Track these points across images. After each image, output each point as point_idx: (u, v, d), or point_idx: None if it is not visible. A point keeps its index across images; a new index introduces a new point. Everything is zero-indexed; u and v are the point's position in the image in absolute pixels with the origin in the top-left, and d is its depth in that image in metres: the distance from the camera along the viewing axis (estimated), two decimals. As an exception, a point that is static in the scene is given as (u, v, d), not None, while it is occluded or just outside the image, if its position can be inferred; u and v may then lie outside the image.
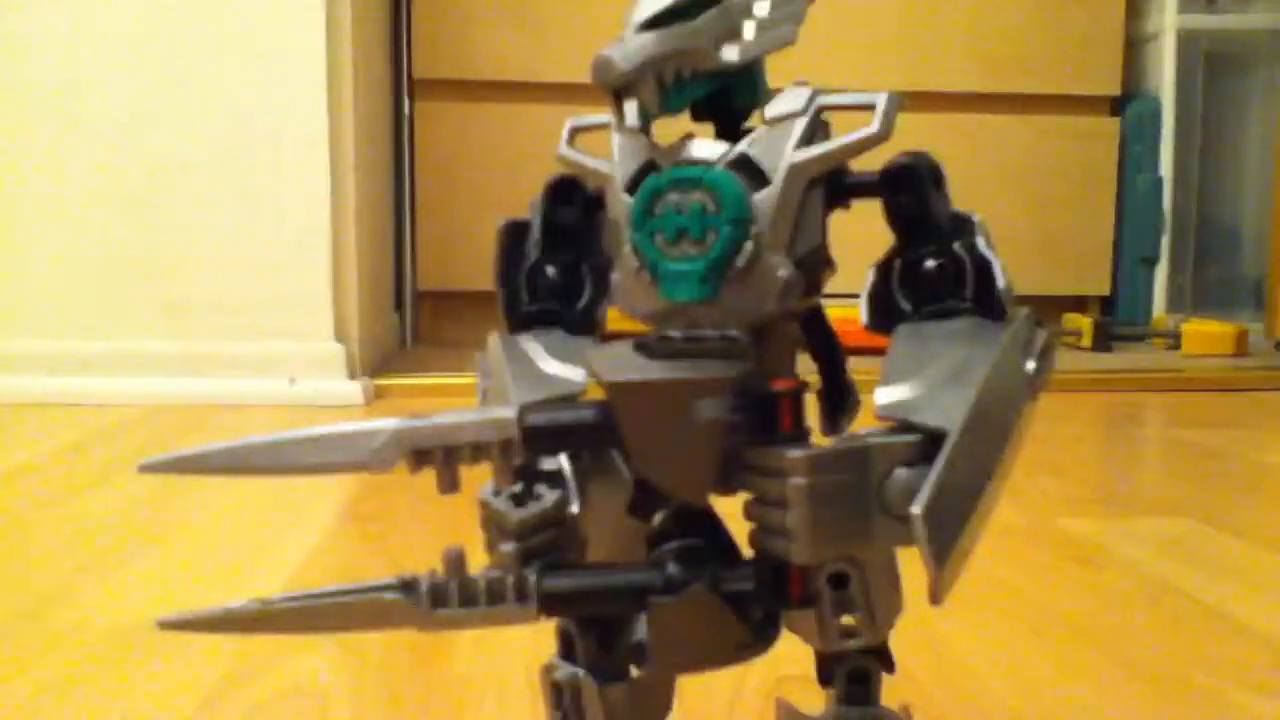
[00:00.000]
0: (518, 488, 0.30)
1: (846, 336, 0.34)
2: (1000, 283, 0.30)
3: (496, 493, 0.30)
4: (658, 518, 0.31)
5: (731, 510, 0.30)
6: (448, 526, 0.77)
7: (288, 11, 1.36)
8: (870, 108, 0.29)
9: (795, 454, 0.27)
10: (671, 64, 0.28)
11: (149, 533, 0.79)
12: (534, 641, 0.36)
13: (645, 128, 0.29)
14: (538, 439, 0.28)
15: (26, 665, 0.55)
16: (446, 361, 1.59)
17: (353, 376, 1.40)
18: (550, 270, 0.34)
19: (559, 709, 0.32)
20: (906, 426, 0.28)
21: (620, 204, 0.31)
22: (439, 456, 0.28)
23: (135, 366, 1.35)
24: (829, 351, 0.33)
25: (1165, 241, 2.03)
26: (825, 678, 0.32)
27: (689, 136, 0.31)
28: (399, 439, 0.28)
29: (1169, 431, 1.35)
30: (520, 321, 0.34)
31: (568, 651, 0.32)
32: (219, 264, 1.38)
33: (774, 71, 0.31)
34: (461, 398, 0.32)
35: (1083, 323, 1.88)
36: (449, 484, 0.28)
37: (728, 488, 0.29)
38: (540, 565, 0.29)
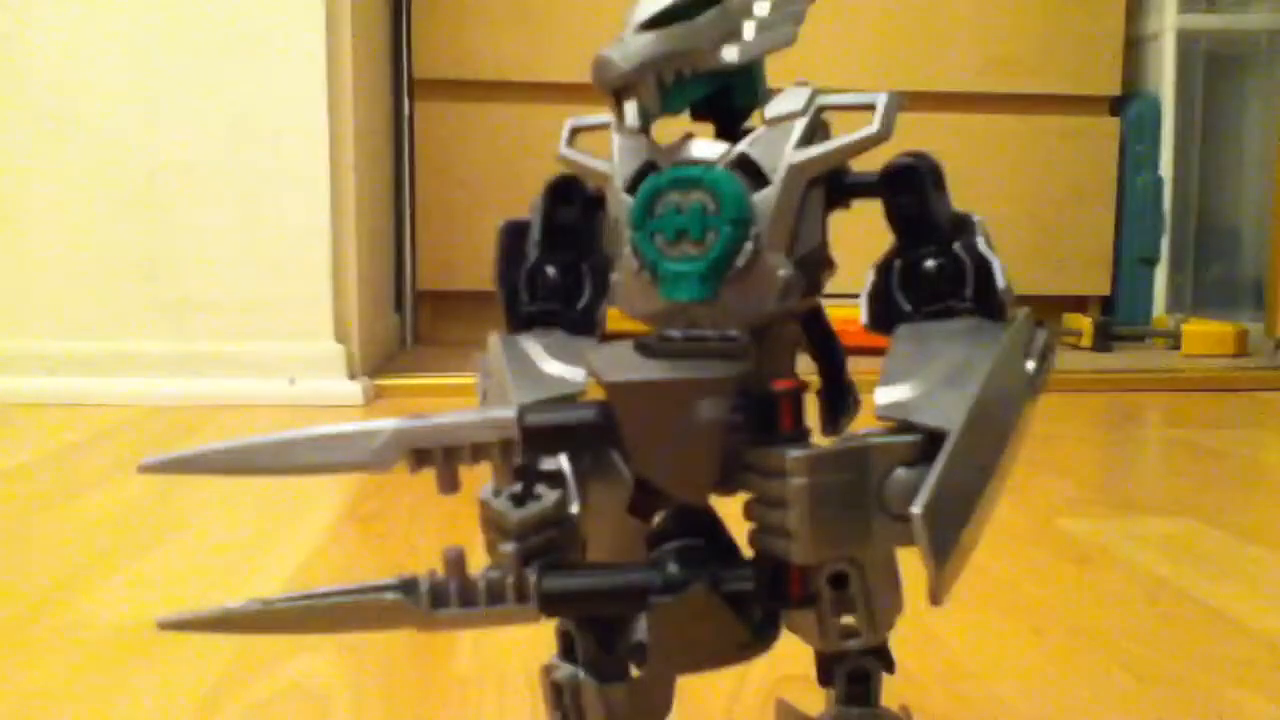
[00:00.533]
0: (518, 488, 0.30)
1: (846, 336, 0.34)
2: (1000, 283, 0.30)
3: (496, 493, 0.30)
4: (658, 518, 0.31)
5: (731, 510, 0.30)
6: (448, 526, 0.77)
7: (288, 11, 1.36)
8: (870, 108, 0.29)
9: (795, 454, 0.27)
10: (671, 64, 0.28)
11: (149, 533, 0.79)
12: (534, 641, 0.36)
13: (645, 128, 0.29)
14: (538, 439, 0.28)
15: (26, 665, 0.55)
16: (446, 361, 1.59)
17: (353, 376, 1.40)
18: (550, 270, 0.34)
19: (559, 709, 0.32)
20: (906, 426, 0.28)
21: (620, 204, 0.31)
22: (439, 456, 0.28)
23: (135, 366, 1.35)
24: (829, 351, 0.33)
25: (1165, 241, 2.03)
26: (825, 678, 0.32)
27: (689, 136, 0.31)
28: (399, 439, 0.28)
29: (1169, 431, 1.35)
30: (520, 321, 0.34)
31: (568, 651, 0.32)
32: (219, 264, 1.38)
33: (774, 71, 0.31)
34: (461, 398, 0.32)
35: (1083, 323, 1.88)
36: (449, 484, 0.28)
37: (728, 488, 0.29)
38: (540, 565, 0.29)
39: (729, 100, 0.31)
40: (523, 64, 1.84)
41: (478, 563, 0.29)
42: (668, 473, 0.29)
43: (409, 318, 1.89)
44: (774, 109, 0.30)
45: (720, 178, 0.29)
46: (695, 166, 0.30)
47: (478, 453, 0.28)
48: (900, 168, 0.30)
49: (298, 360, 1.38)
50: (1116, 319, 1.98)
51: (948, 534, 0.26)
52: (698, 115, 0.31)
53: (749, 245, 0.29)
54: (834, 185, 0.30)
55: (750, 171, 0.29)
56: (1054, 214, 1.99)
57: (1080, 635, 0.60)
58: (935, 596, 0.26)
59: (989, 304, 0.30)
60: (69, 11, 1.34)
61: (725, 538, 0.31)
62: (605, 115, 0.31)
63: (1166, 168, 2.02)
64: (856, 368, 0.34)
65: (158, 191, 1.37)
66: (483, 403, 0.34)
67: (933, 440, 0.27)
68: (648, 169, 0.30)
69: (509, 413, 0.28)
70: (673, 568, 0.29)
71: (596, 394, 0.29)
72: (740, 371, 0.28)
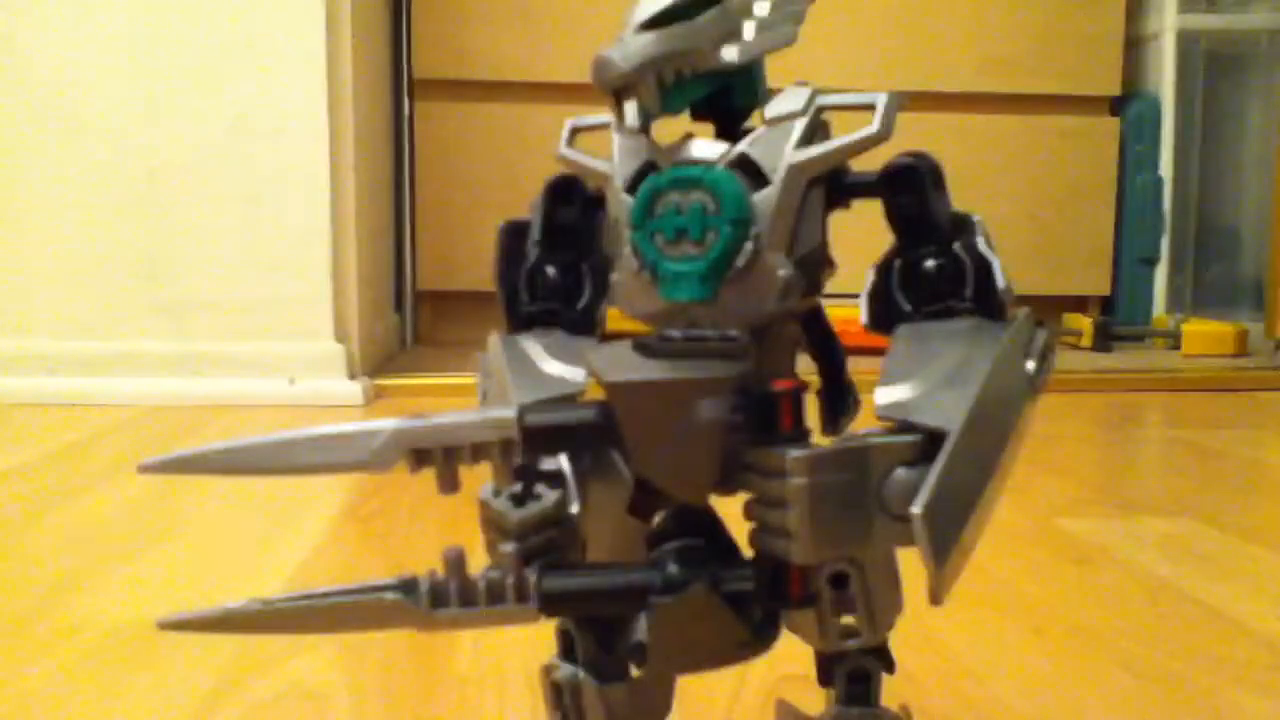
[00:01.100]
0: (518, 488, 0.30)
1: (846, 336, 0.34)
2: (1000, 283, 0.30)
3: (496, 493, 0.30)
4: (658, 518, 0.31)
5: (731, 510, 0.30)
6: (448, 526, 0.77)
7: (288, 11, 1.36)
8: (870, 108, 0.29)
9: (795, 454, 0.27)
10: (671, 64, 0.28)
11: (149, 533, 0.79)
12: (534, 641, 0.36)
13: (645, 128, 0.29)
14: (538, 439, 0.28)
15: (26, 665, 0.55)
16: (446, 361, 1.60)
17: (353, 376, 1.40)
18: (550, 270, 0.34)
19: (559, 709, 0.32)
20: (906, 426, 0.28)
21: (620, 204, 0.31)
22: (439, 456, 0.28)
23: (135, 366, 1.35)
24: (829, 351, 0.33)
25: (1165, 241, 2.03)
26: (825, 678, 0.32)
27: (689, 136, 0.31)
28: (399, 439, 0.28)
29: (1169, 431, 1.35)
30: (520, 321, 0.34)
31: (568, 651, 0.32)
32: (219, 264, 1.38)
33: (774, 71, 0.31)
34: (461, 398, 0.32)
35: (1083, 323, 1.88)
36: (449, 484, 0.28)
37: (728, 488, 0.29)
38: (540, 565, 0.29)
39: (729, 100, 0.30)
40: (523, 64, 1.84)
41: (478, 563, 0.29)
42: (668, 473, 0.29)
43: (409, 318, 1.89)
44: (774, 109, 0.30)
45: (720, 178, 0.29)
46: (695, 166, 0.30)
47: (478, 453, 0.28)
48: (900, 168, 0.30)
49: (298, 360, 1.38)
50: (1116, 319, 1.98)
51: (948, 534, 0.26)
52: (698, 115, 0.31)
53: (749, 245, 0.29)
54: (834, 185, 0.30)
55: (750, 171, 0.29)
56: (1054, 214, 1.99)
57: (1080, 635, 0.60)
58: (935, 596, 0.26)
59: (989, 304, 0.30)
60: (69, 11, 1.34)
61: (725, 538, 0.31)
62: (605, 115, 0.31)
63: (1166, 168, 2.02)
64: (856, 368, 0.34)
65: (158, 191, 1.37)
66: (483, 403, 0.34)
67: (933, 440, 0.27)
68: (648, 169, 0.30)
69: (509, 413, 0.28)
70: (673, 568, 0.29)
71: (596, 394, 0.29)
72: (740, 371, 0.28)
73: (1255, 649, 0.58)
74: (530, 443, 0.28)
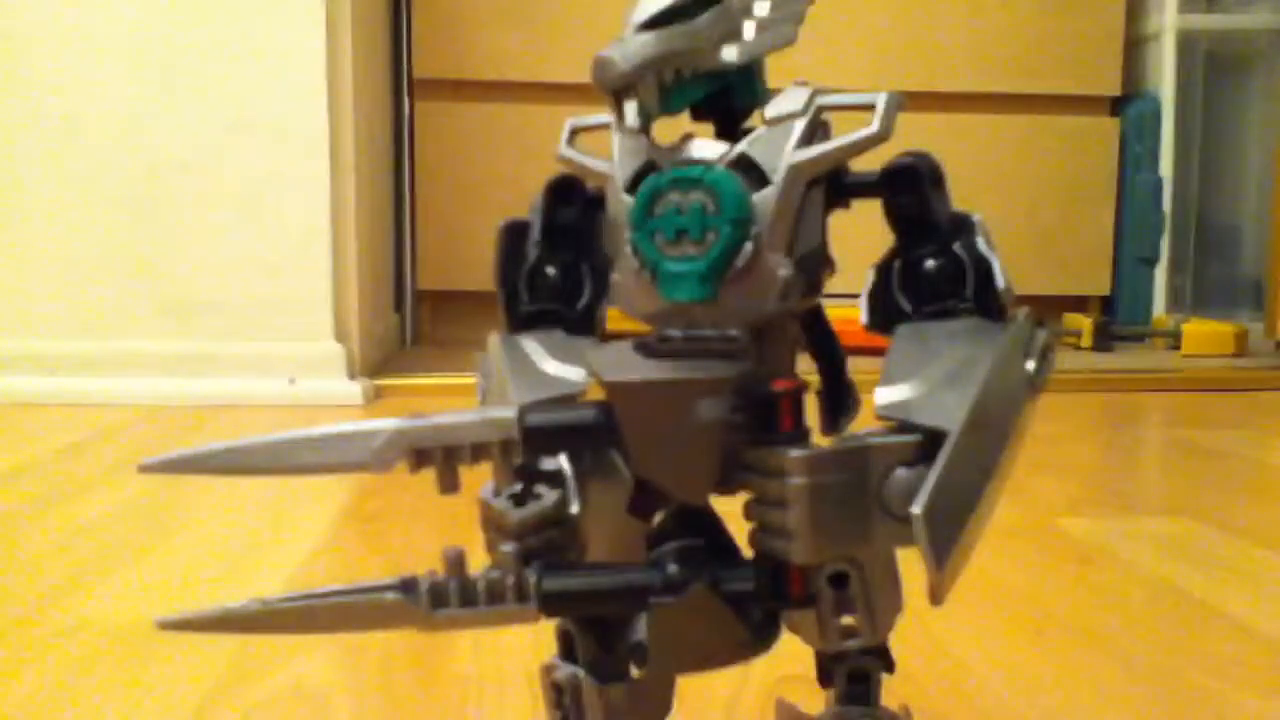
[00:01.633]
0: (518, 488, 0.30)
1: (846, 336, 0.34)
2: (1000, 283, 0.30)
3: (496, 493, 0.30)
4: (658, 518, 0.31)
5: (731, 510, 0.30)
6: (448, 526, 0.77)
7: (288, 11, 1.36)
8: (870, 108, 0.29)
9: (795, 454, 0.27)
10: (671, 64, 0.28)
11: (149, 533, 0.79)
12: (534, 641, 0.36)
13: (645, 128, 0.29)
14: (538, 439, 0.28)
15: (26, 665, 0.55)
16: (446, 361, 1.59)
17: (353, 376, 1.40)
18: (550, 270, 0.34)
19: (559, 709, 0.32)
20: (906, 426, 0.28)
21: (620, 204, 0.31)
22: (439, 456, 0.28)
23: (135, 366, 1.35)
24: (829, 351, 0.33)
25: (1165, 241, 2.03)
26: (825, 678, 0.32)
27: (689, 136, 0.31)
28: (399, 439, 0.28)
29: (1169, 431, 1.35)
30: (520, 321, 0.34)
31: (568, 651, 0.32)
32: (219, 264, 1.38)
33: (774, 71, 0.31)
34: (461, 398, 0.32)
35: (1083, 323, 1.88)
36: (449, 484, 0.28)
37: (728, 488, 0.29)
38: (540, 565, 0.29)
39: (729, 100, 0.30)
40: (523, 64, 1.84)
41: (478, 563, 0.29)
42: (668, 473, 0.29)
43: (409, 318, 1.89)
44: (774, 109, 0.30)
45: (720, 178, 0.29)
46: (695, 166, 0.30)
47: (478, 453, 0.28)
48: (900, 167, 0.30)
49: (298, 360, 1.38)
50: (1116, 319, 1.98)
51: (948, 534, 0.26)
52: (698, 115, 0.31)
53: (749, 245, 0.29)
54: (834, 185, 0.30)
55: (750, 172, 0.29)
56: (1054, 214, 1.99)
57: (1080, 635, 0.60)
58: (935, 596, 0.26)
59: (989, 304, 0.30)
60: (69, 11, 1.34)
61: (725, 538, 0.31)
62: (605, 115, 0.31)
63: (1166, 168, 2.02)
64: (856, 368, 0.34)
65: (158, 191, 1.37)
66: (483, 403, 0.34)
67: (933, 440, 0.27)
68: (648, 169, 0.30)
69: (509, 413, 0.28)
70: (673, 568, 0.29)
71: (596, 394, 0.29)
72: (740, 371, 0.28)
73: (1255, 649, 0.58)
74: (530, 443, 0.28)
